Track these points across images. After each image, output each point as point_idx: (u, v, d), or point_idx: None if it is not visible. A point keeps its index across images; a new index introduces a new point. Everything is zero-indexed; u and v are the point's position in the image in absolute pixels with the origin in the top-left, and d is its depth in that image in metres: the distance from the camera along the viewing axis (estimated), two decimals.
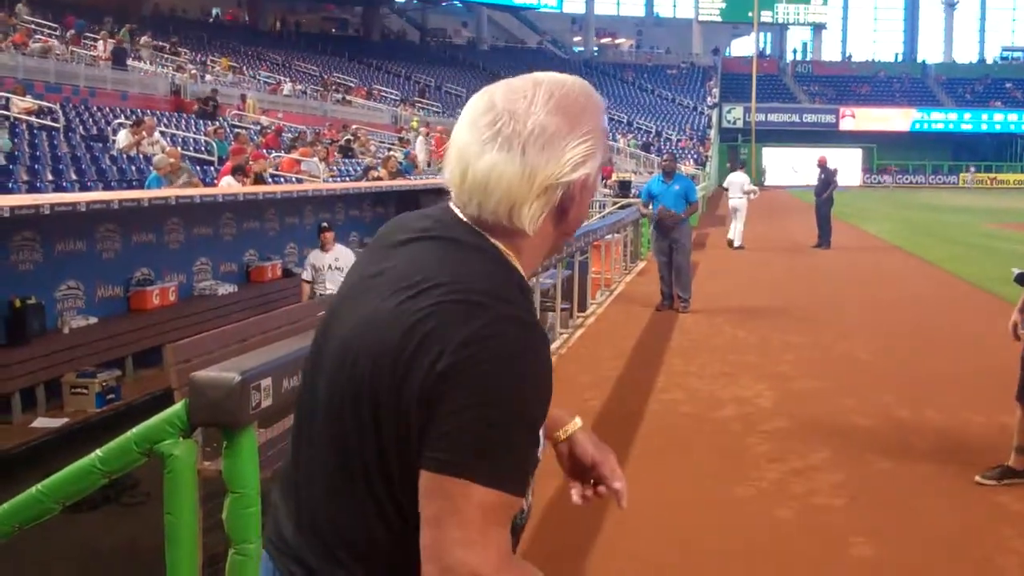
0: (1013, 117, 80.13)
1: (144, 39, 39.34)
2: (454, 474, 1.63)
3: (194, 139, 24.16)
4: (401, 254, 1.83)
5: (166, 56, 39.58)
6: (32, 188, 14.02)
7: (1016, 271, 7.14)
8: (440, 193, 20.84)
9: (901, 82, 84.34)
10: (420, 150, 31.94)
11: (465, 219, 1.82)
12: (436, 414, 1.64)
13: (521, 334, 1.69)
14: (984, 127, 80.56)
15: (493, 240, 1.80)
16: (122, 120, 22.77)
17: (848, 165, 68.81)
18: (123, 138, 19.86)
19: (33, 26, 32.98)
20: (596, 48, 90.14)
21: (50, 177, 15.25)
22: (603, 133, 1.85)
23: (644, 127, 71.35)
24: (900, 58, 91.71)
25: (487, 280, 1.74)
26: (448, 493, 1.63)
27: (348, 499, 1.77)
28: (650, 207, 15.20)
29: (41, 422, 8.99)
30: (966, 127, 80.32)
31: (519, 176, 1.74)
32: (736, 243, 25.56)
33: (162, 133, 21.98)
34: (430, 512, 1.65)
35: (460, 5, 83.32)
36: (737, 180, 26.34)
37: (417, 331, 1.67)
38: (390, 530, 1.75)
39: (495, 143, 1.75)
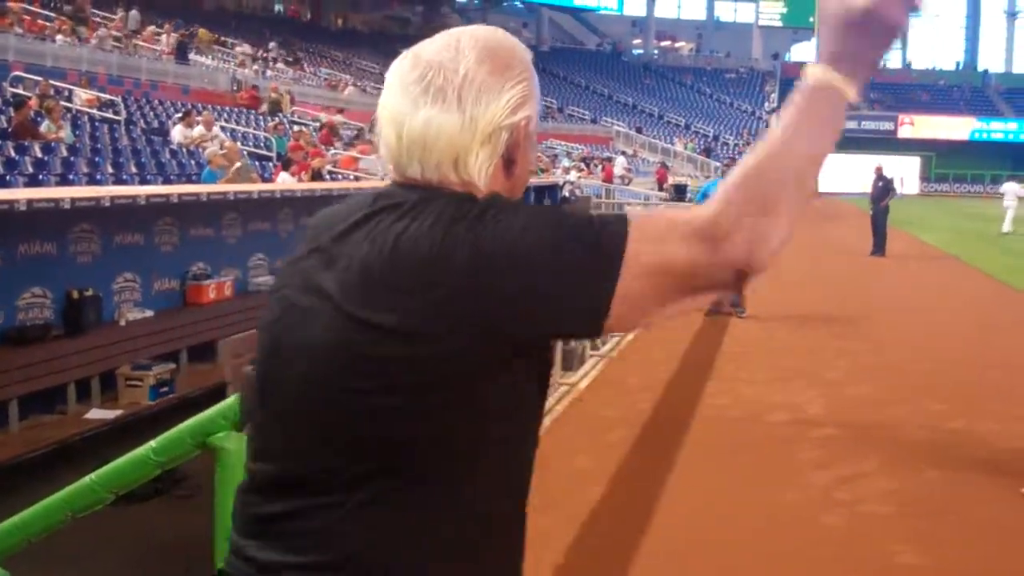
0: None
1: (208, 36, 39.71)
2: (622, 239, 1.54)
3: (253, 135, 24.30)
4: (359, 236, 1.66)
5: (227, 51, 39.87)
6: (92, 180, 14.13)
7: None
8: None
9: (961, 90, 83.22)
10: None
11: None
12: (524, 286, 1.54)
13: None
14: None
15: None
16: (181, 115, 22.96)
17: (907, 173, 68.12)
18: (178, 133, 19.97)
19: (98, 19, 33.28)
20: (656, 51, 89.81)
21: (110, 170, 15.37)
22: (534, 76, 1.79)
23: (702, 131, 71.10)
24: (961, 66, 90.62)
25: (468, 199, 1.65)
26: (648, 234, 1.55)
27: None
28: None
29: (95, 413, 9.12)
30: None
31: (459, 126, 1.66)
32: (1007, 230, 32.95)
33: (222, 128, 22.12)
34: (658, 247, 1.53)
35: (521, 6, 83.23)
36: (1012, 188, 35.10)
37: (456, 258, 1.55)
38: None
39: (427, 97, 1.68)
